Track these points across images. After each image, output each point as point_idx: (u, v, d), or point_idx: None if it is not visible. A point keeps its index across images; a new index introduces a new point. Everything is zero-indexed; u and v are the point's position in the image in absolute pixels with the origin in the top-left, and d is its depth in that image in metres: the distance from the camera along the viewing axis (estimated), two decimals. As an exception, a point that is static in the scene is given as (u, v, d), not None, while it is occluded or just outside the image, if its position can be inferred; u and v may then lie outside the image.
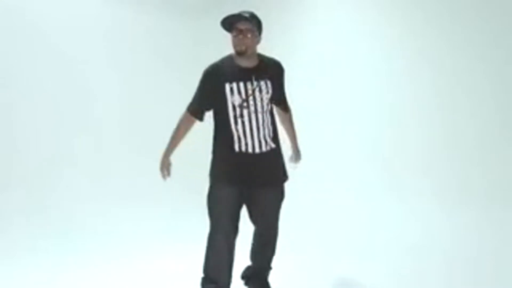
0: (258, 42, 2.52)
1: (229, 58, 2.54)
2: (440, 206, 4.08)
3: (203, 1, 5.68)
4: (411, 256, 3.51)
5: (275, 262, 3.46)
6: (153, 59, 5.36)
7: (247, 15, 2.41)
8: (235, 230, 2.57)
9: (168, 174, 2.72)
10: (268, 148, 2.54)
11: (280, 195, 2.68)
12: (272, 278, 3.25)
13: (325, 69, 5.15)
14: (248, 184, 2.52)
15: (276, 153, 2.61)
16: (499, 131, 3.85)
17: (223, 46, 5.64)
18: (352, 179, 4.80)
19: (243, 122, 2.47)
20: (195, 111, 2.60)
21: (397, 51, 4.53)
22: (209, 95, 2.52)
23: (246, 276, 2.91)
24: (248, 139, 2.48)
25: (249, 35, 2.41)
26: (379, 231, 4.06)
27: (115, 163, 4.97)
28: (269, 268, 2.87)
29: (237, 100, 2.45)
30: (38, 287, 3.20)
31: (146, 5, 5.29)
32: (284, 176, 2.68)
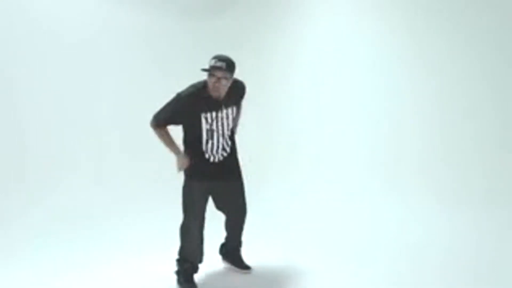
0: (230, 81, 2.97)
1: (203, 88, 2.96)
2: (440, 206, 4.08)
3: (202, 2, 5.69)
4: (411, 256, 3.51)
5: (275, 262, 3.48)
6: (152, 61, 5.36)
7: (224, 65, 2.85)
8: (204, 215, 3.15)
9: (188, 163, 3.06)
10: (227, 154, 3.13)
11: (240, 184, 3.24)
12: (272, 278, 3.25)
13: (326, 72, 5.16)
14: (213, 180, 3.10)
15: (233, 156, 3.20)
16: (498, 132, 3.86)
17: (222, 46, 5.67)
18: (352, 179, 4.80)
19: (212, 144, 3.03)
20: (166, 122, 3.03)
21: (397, 55, 4.53)
22: (182, 118, 3.00)
23: (225, 251, 3.45)
24: (215, 153, 3.05)
25: (223, 82, 2.88)
26: (379, 231, 4.06)
27: (115, 165, 4.97)
28: (240, 242, 3.41)
29: (210, 126, 2.98)
30: (38, 287, 3.20)
31: (145, 7, 5.30)
32: (240, 173, 3.25)
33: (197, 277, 3.20)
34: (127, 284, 3.23)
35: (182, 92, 2.99)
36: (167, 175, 5.14)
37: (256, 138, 5.30)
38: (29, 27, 4.67)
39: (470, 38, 4.03)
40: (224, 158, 3.10)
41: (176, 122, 3.02)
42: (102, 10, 5.06)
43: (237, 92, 3.08)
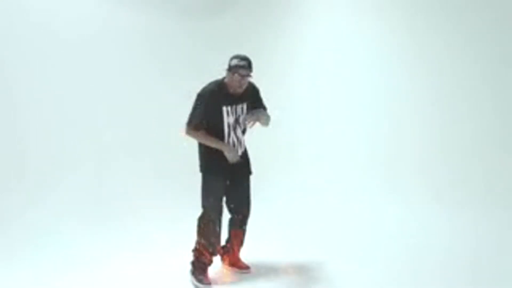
0: None
1: (222, 85, 3.22)
2: (440, 206, 4.09)
3: (202, 2, 5.68)
4: (411, 256, 3.51)
5: (275, 262, 3.48)
6: (152, 61, 5.35)
7: (246, 64, 3.14)
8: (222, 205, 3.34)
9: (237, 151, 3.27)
10: (242, 149, 3.36)
11: (249, 183, 3.43)
12: (272, 277, 3.25)
13: (326, 72, 5.16)
14: (229, 175, 3.28)
15: (246, 154, 3.43)
16: (497, 132, 3.86)
17: (221, 47, 5.66)
18: (352, 179, 4.80)
19: (234, 135, 3.27)
20: (199, 126, 3.20)
21: (396, 55, 4.54)
22: (208, 114, 3.18)
23: (221, 253, 3.48)
24: (237, 146, 3.29)
25: (247, 79, 3.17)
26: (379, 231, 4.06)
27: (115, 164, 4.97)
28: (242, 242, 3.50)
29: (231, 119, 3.23)
30: (38, 287, 3.20)
31: (144, 7, 5.30)
32: (249, 164, 3.46)
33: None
34: (128, 283, 3.23)
35: (202, 90, 3.21)
36: (168, 174, 5.16)
37: (256, 138, 5.29)
38: (29, 26, 4.66)
39: (470, 38, 4.03)
40: (241, 154, 3.31)
41: (204, 120, 3.18)
42: (102, 10, 5.05)
43: (249, 90, 3.28)
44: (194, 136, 3.25)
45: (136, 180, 4.95)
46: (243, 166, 3.36)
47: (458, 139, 4.11)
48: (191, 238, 3.47)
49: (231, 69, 3.14)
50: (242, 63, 3.13)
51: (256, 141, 5.22)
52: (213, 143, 3.22)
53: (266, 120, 3.33)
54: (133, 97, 5.26)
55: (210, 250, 3.26)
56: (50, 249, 3.86)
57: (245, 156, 3.39)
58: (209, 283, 3.19)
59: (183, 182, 4.99)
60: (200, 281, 3.19)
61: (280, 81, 5.54)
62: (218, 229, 3.28)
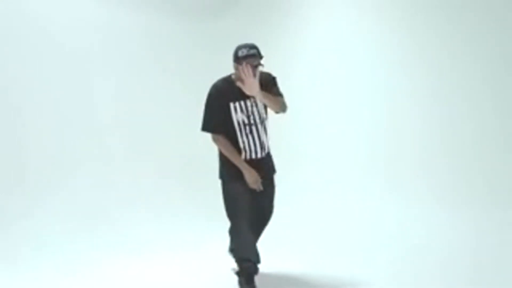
0: None
1: (228, 80, 2.99)
2: (440, 206, 4.09)
3: (202, 3, 5.68)
4: (411, 256, 3.51)
5: (275, 262, 3.48)
6: (153, 62, 5.36)
7: (256, 52, 2.87)
8: (251, 209, 3.01)
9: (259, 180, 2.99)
10: (265, 152, 3.07)
11: (273, 187, 3.21)
12: (272, 277, 3.25)
13: (326, 73, 5.16)
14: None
15: (269, 155, 3.16)
16: (498, 132, 3.86)
17: (222, 47, 5.66)
18: (352, 179, 4.81)
19: (246, 135, 2.96)
20: (214, 129, 2.98)
21: (397, 55, 4.54)
22: (217, 113, 2.95)
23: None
24: (252, 147, 2.98)
25: (259, 68, 2.88)
26: (379, 231, 4.07)
27: (116, 166, 4.97)
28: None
29: (240, 116, 2.94)
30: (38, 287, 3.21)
31: (146, 7, 5.30)
32: (274, 172, 3.22)
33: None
34: (130, 285, 3.24)
35: (209, 89, 3.01)
36: (170, 175, 5.16)
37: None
38: (28, 28, 4.66)
39: (470, 38, 4.04)
40: (261, 158, 3.02)
41: (217, 120, 2.96)
42: (103, 11, 5.06)
43: (263, 79, 2.98)
44: (216, 143, 2.99)
45: (137, 181, 4.95)
46: (265, 171, 3.06)
47: (458, 139, 4.11)
48: (192, 238, 3.50)
49: (239, 60, 2.86)
50: (252, 51, 2.85)
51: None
52: (232, 157, 2.94)
53: (274, 103, 2.94)
54: (134, 97, 5.26)
55: (250, 258, 3.00)
56: (51, 251, 3.87)
57: (267, 161, 3.10)
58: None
59: (185, 183, 5.01)
60: None
61: (281, 81, 5.52)
62: (250, 235, 2.98)
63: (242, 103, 2.94)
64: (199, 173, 5.19)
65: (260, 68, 2.90)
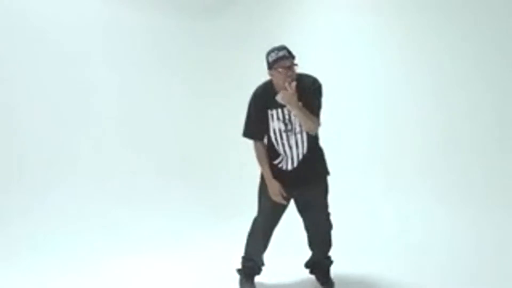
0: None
1: (268, 86, 2.88)
2: (440, 206, 4.09)
3: (203, 1, 5.69)
4: (411, 256, 3.51)
5: (275, 262, 3.47)
6: (154, 60, 5.36)
7: (286, 52, 2.76)
8: (275, 222, 3.05)
9: (283, 194, 2.91)
10: (304, 159, 2.92)
11: (322, 190, 3.05)
12: (272, 277, 3.25)
13: (326, 72, 5.12)
14: (290, 187, 2.92)
15: (313, 163, 2.99)
16: (497, 132, 3.86)
17: (223, 46, 5.67)
18: (352, 179, 4.80)
19: (283, 143, 2.88)
20: (252, 136, 2.96)
21: (397, 54, 4.53)
22: (257, 119, 2.90)
23: (309, 265, 3.27)
24: (288, 156, 2.89)
25: (293, 69, 2.78)
26: (379, 231, 4.07)
27: (115, 164, 4.97)
28: (326, 259, 3.18)
29: (276, 124, 2.85)
30: (38, 287, 3.20)
31: (147, 6, 5.30)
32: (323, 173, 3.08)
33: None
34: (127, 284, 3.24)
35: (251, 95, 2.96)
36: (171, 173, 5.16)
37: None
38: (29, 28, 4.66)
39: (470, 38, 4.03)
40: (303, 164, 2.91)
41: (256, 127, 2.92)
42: (105, 12, 5.06)
43: (307, 86, 2.87)
44: (254, 149, 2.94)
45: (138, 180, 4.95)
46: (306, 177, 2.91)
47: (458, 139, 4.11)
48: (192, 236, 3.50)
49: (271, 66, 2.77)
50: (282, 53, 2.73)
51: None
52: (261, 166, 2.92)
53: (305, 122, 2.77)
54: (134, 95, 5.26)
55: (254, 257, 3.11)
56: (50, 249, 3.86)
57: (311, 165, 2.94)
58: None
59: (185, 181, 5.01)
60: None
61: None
62: (263, 238, 3.06)
63: (280, 110, 2.84)
64: (199, 171, 5.20)
65: (296, 69, 2.79)
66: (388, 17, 4.60)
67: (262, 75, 5.13)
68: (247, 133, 2.96)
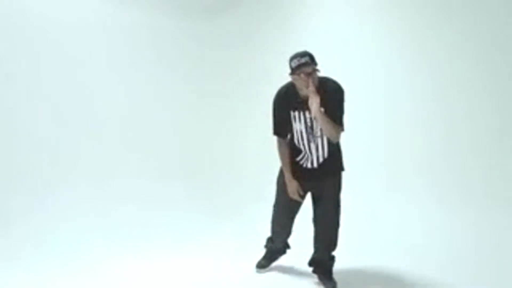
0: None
1: (291, 87, 2.97)
2: (440, 206, 4.09)
3: (205, 1, 5.68)
4: (411, 256, 3.52)
5: (275, 262, 3.47)
6: (155, 60, 5.35)
7: (308, 59, 2.84)
8: (293, 213, 3.27)
9: (299, 192, 3.11)
10: (322, 160, 3.06)
11: (334, 183, 3.15)
12: (272, 277, 3.25)
13: (326, 72, 5.15)
14: (307, 183, 3.11)
15: (330, 162, 3.11)
16: (497, 132, 3.86)
17: (224, 46, 5.67)
18: (352, 179, 4.80)
19: (304, 145, 3.02)
20: (278, 134, 3.08)
21: (397, 55, 4.54)
22: (280, 119, 3.02)
23: (312, 263, 3.32)
24: (308, 157, 3.03)
25: (314, 75, 2.86)
26: (379, 231, 4.07)
27: (116, 164, 4.96)
28: (330, 259, 3.23)
29: (298, 126, 2.97)
30: (39, 286, 3.20)
31: (148, 6, 5.30)
32: (339, 168, 3.20)
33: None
34: (128, 284, 3.23)
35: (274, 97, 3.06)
36: (173, 174, 5.16)
37: (257, 139, 5.30)
38: (29, 28, 4.66)
39: (470, 38, 4.04)
40: (322, 164, 3.06)
41: (281, 126, 3.05)
42: (106, 9, 5.06)
43: (329, 92, 2.93)
44: (277, 147, 3.09)
45: (138, 180, 4.95)
46: (321, 174, 3.07)
47: (458, 139, 4.11)
48: (194, 236, 3.50)
49: (293, 71, 2.86)
50: (304, 60, 2.81)
51: (257, 142, 5.25)
52: (282, 163, 3.08)
53: (327, 130, 2.86)
54: (135, 95, 5.25)
55: (272, 240, 3.40)
56: (51, 249, 3.86)
57: (327, 164, 3.06)
58: (259, 268, 3.37)
59: (187, 182, 5.01)
60: (257, 263, 3.39)
61: (280, 80, 5.54)
62: (281, 232, 3.33)
63: (302, 113, 2.94)
64: (199, 171, 5.19)
65: (318, 74, 2.88)
66: (388, 17, 4.61)
67: (263, 75, 5.16)
68: (274, 131, 3.08)
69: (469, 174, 3.99)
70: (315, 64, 2.86)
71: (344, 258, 3.56)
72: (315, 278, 3.23)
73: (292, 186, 3.05)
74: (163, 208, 4.72)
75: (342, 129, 3.01)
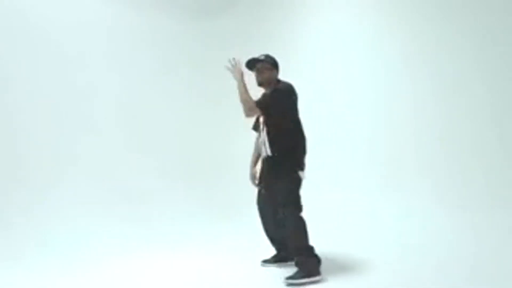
0: (274, 76, 3.39)
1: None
2: (440, 206, 4.09)
3: (204, 2, 5.69)
4: (410, 256, 3.52)
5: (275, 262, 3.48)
6: (155, 60, 5.37)
7: (262, 57, 3.35)
8: (261, 207, 3.51)
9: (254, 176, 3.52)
10: (268, 154, 3.29)
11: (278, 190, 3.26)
12: (272, 276, 3.25)
13: (326, 72, 5.17)
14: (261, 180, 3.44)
15: (272, 161, 3.30)
16: (497, 132, 3.86)
17: (223, 45, 5.67)
18: (352, 179, 4.81)
19: (259, 138, 3.43)
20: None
21: (396, 55, 4.54)
22: None
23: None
24: (262, 149, 3.33)
25: (264, 72, 3.33)
26: (379, 231, 4.07)
27: (116, 164, 4.98)
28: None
29: (257, 119, 3.44)
30: (39, 286, 3.21)
31: (148, 7, 5.30)
32: (275, 178, 3.29)
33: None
34: (128, 284, 3.24)
35: None
36: (173, 172, 5.17)
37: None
38: (30, 29, 4.67)
39: (470, 38, 4.04)
40: (266, 161, 3.33)
41: None
42: (105, 11, 5.07)
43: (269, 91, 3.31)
44: None
45: (140, 180, 4.96)
46: (266, 172, 3.33)
47: (458, 139, 4.11)
48: (194, 235, 3.50)
49: (251, 67, 3.35)
50: (257, 56, 3.31)
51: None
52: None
53: (238, 89, 3.28)
54: (135, 95, 5.27)
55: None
56: (51, 249, 3.87)
57: (270, 162, 3.29)
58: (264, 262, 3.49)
59: (187, 182, 5.02)
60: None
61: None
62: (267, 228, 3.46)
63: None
64: (199, 171, 5.20)
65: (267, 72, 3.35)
66: (388, 18, 4.61)
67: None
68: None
69: (469, 174, 3.99)
70: (262, 61, 3.31)
71: (344, 257, 3.56)
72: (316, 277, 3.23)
73: (251, 169, 3.49)
74: (163, 208, 4.73)
75: (257, 110, 3.22)
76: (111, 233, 4.22)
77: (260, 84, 3.36)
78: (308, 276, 3.08)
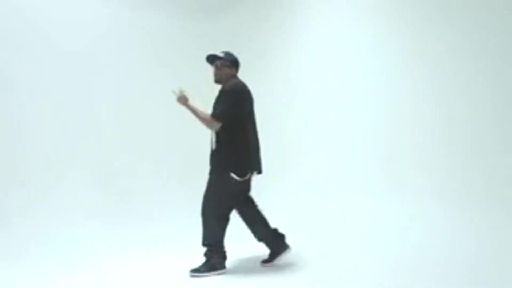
0: (232, 73, 3.45)
1: None
2: (440, 206, 4.09)
3: (203, 2, 5.69)
4: (410, 256, 3.52)
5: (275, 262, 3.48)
6: (155, 60, 5.37)
7: (221, 54, 3.42)
8: None
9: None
10: (214, 147, 3.42)
11: (210, 179, 3.45)
12: (271, 276, 3.25)
13: (326, 72, 5.16)
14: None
15: (218, 154, 3.42)
16: (497, 132, 3.86)
17: (223, 45, 5.66)
18: (352, 179, 4.81)
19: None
20: None
21: (397, 55, 4.54)
22: None
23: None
24: (211, 143, 3.45)
25: (223, 69, 3.41)
26: (379, 231, 4.07)
27: (115, 164, 4.98)
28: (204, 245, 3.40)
29: None
30: (39, 286, 3.21)
31: (148, 7, 5.30)
32: (221, 165, 3.41)
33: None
34: (129, 283, 3.24)
35: None
36: (170, 172, 5.17)
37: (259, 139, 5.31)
38: (30, 29, 4.67)
39: (470, 38, 4.04)
40: (211, 156, 3.43)
41: None
42: (105, 11, 5.07)
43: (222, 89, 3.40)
44: None
45: (138, 180, 4.96)
46: (211, 161, 3.44)
47: (458, 139, 4.11)
48: (193, 238, 3.48)
49: (211, 62, 3.49)
50: (217, 53, 3.41)
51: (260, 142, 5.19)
52: None
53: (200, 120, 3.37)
54: (134, 95, 5.27)
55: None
56: (51, 249, 3.87)
57: (215, 153, 3.40)
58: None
59: (186, 183, 5.01)
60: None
61: (282, 80, 5.55)
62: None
63: None
64: (198, 171, 5.19)
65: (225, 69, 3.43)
66: (388, 17, 4.61)
67: (263, 75, 5.15)
68: None
69: (469, 174, 3.99)
70: (227, 61, 3.39)
71: (344, 257, 3.56)
72: (315, 276, 3.24)
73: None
74: (162, 208, 4.72)
75: (217, 120, 3.32)
76: (111, 233, 4.22)
77: (217, 81, 3.47)
78: (213, 269, 3.29)
